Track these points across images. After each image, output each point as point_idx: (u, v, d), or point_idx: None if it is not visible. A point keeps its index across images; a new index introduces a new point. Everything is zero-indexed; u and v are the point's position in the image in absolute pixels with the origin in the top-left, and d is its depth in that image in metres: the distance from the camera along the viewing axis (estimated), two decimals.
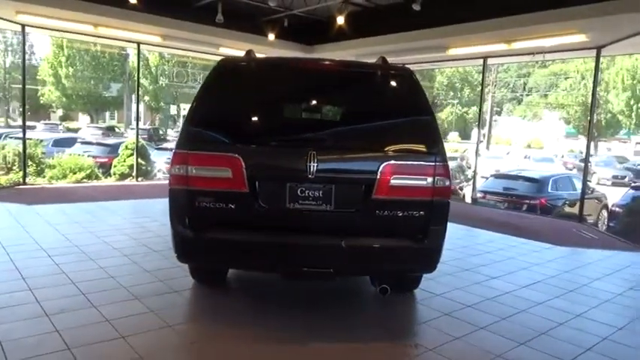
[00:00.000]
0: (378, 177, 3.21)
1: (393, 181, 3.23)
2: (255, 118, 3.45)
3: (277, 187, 3.24)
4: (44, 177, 10.34)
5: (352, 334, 3.51)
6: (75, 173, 10.47)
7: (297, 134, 3.39)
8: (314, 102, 3.59)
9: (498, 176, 11.95)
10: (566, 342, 3.53)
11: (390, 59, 9.98)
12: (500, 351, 3.33)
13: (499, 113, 48.26)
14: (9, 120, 38.29)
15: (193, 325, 3.59)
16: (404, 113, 3.48)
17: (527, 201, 10.49)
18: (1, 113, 40.75)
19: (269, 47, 9.74)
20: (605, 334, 3.71)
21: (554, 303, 4.32)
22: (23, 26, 8.87)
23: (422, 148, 3.35)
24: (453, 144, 39.73)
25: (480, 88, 10.43)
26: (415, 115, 3.44)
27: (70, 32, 9.23)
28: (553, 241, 6.79)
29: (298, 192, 3.23)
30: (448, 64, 11.62)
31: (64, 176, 10.46)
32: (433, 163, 3.29)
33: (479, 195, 11.29)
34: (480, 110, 10.89)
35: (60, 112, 42.04)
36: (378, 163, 3.21)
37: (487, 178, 12.29)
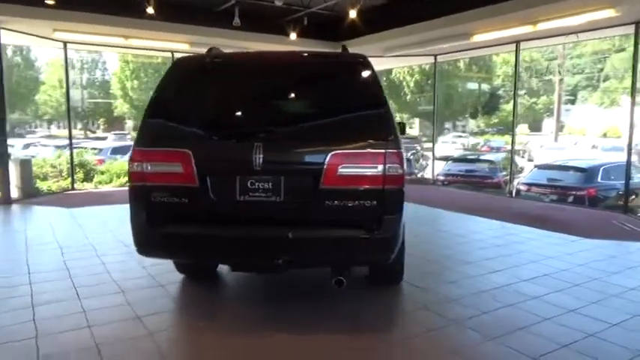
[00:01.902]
0: (326, 166, 3.15)
1: (341, 170, 3.16)
2: (204, 113, 3.49)
3: (227, 180, 3.27)
4: (92, 182, 11.07)
5: (321, 325, 3.45)
6: (119, 177, 11.11)
7: (244, 127, 3.41)
8: (262, 94, 3.56)
9: (543, 167, 11.22)
10: (542, 338, 3.27)
11: (418, 50, 9.74)
12: (460, 346, 3.16)
13: (573, 102, 45.42)
14: (87, 132, 41.45)
15: (163, 316, 3.67)
16: (354, 102, 3.39)
17: (574, 192, 9.78)
18: (81, 126, 44.21)
19: (291, 46, 9.83)
20: (593, 330, 3.40)
21: (550, 297, 4.02)
22: (65, 43, 9.58)
23: (372, 135, 3.24)
24: (520, 136, 37.90)
25: (514, 74, 9.85)
26: (366, 103, 3.34)
27: (105, 45, 9.81)
28: (583, 233, 6.30)
29: (248, 184, 3.24)
30: (481, 51, 11.10)
31: (111, 181, 11.15)
32: (383, 151, 3.18)
33: (523, 187, 10.70)
34: (514, 98, 10.23)
35: (131, 123, 44.82)
36: (326, 153, 3.15)
37: (530, 170, 11.60)
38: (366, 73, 3.38)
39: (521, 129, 44.88)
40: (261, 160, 3.17)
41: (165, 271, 4.55)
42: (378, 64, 14.10)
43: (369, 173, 3.18)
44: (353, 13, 7.87)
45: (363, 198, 3.20)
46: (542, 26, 7.50)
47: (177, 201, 3.32)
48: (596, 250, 5.63)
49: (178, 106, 3.46)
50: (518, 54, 9.18)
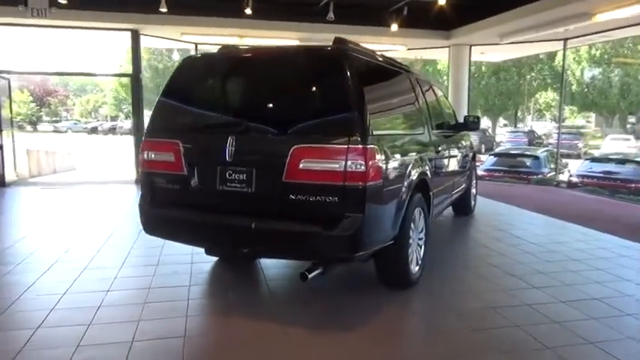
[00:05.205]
0: (288, 160, 3.17)
1: (302, 165, 3.14)
2: (194, 107, 3.75)
3: (209, 170, 3.48)
4: None
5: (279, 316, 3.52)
6: None
7: (223, 120, 3.58)
8: (241, 89, 3.67)
9: None
10: None
11: (536, 35, 8.79)
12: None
13: None
14: None
15: (158, 291, 3.98)
16: (323, 96, 3.33)
17: None
18: None
19: (394, 38, 9.63)
20: None
21: (566, 326, 3.39)
22: (196, 45, 10.84)
23: (336, 131, 3.15)
24: None
25: None
26: (335, 98, 3.25)
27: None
28: None
29: (226, 175, 3.41)
30: (621, 32, 9.33)
31: None
32: (345, 146, 3.07)
33: None
34: None
35: None
36: (289, 147, 3.17)
37: None
38: (337, 69, 3.29)
39: None
40: (232, 151, 3.33)
41: None
42: (497, 52, 12.96)
43: (329, 169, 3.11)
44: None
45: (324, 194, 3.14)
46: None
47: (171, 187, 3.66)
48: None
49: (176, 101, 3.79)
50: None
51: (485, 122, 38.27)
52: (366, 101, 3.25)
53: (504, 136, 29.63)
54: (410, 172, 3.80)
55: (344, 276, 4.36)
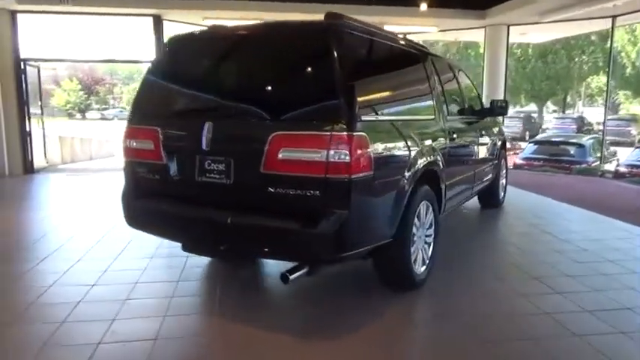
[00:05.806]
0: (267, 149, 2.84)
1: (281, 154, 2.81)
2: (173, 91, 3.46)
3: (187, 159, 3.20)
4: None
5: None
6: None
7: (202, 105, 3.27)
8: (222, 71, 3.31)
9: None
10: None
11: (580, 12, 8.06)
12: None
13: None
14: None
15: (144, 286, 3.81)
16: (308, 77, 2.96)
17: None
18: None
19: (422, 18, 9.05)
20: None
21: (589, 341, 2.93)
22: None
23: (318, 116, 2.79)
24: None
25: None
26: (320, 79, 2.88)
27: None
28: None
29: (205, 165, 3.12)
30: None
31: None
32: (328, 134, 2.71)
33: None
34: None
35: None
36: (267, 134, 2.84)
37: None
38: (322, 47, 2.90)
39: None
40: (210, 139, 3.04)
41: None
42: (539, 33, 12.04)
43: (310, 159, 2.76)
44: None
45: (305, 187, 2.80)
46: None
47: (151, 177, 3.41)
48: None
49: (157, 86, 3.52)
50: None
51: (531, 108, 36.56)
52: (355, 83, 2.87)
53: (551, 122, 28.18)
54: (413, 162, 3.39)
55: (346, 274, 4.02)
